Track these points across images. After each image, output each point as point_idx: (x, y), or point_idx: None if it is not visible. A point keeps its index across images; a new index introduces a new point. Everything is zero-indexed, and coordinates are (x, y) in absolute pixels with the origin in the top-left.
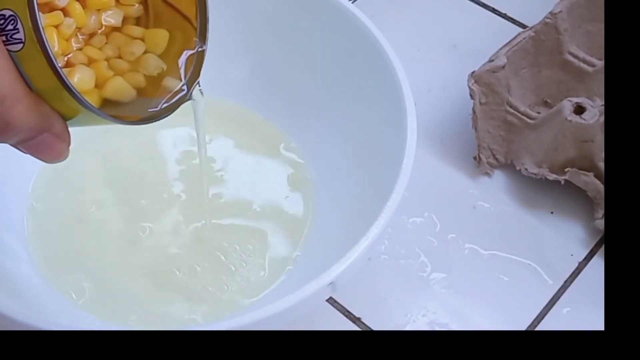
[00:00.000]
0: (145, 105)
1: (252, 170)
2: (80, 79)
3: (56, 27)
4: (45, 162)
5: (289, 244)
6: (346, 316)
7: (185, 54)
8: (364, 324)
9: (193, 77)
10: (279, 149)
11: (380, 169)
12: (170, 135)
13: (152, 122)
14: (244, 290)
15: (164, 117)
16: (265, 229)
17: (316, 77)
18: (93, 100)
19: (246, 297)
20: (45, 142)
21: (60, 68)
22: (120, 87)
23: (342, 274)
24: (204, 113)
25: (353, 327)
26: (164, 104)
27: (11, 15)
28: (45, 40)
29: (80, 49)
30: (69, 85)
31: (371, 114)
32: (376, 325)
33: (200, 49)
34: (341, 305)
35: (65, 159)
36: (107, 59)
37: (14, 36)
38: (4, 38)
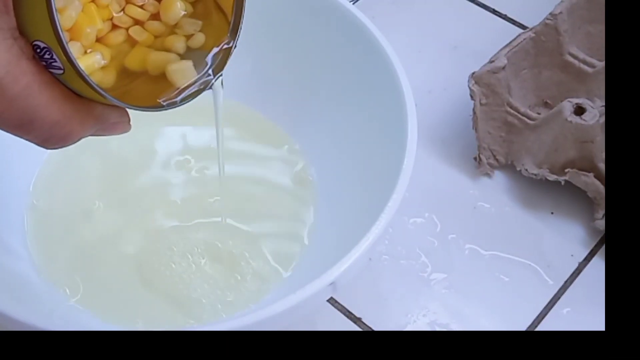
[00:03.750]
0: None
1: (253, 172)
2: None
3: None
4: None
5: (291, 245)
6: (347, 316)
7: (215, 49)
8: (365, 324)
9: (218, 68)
10: (282, 150)
11: (381, 170)
12: (172, 135)
13: (170, 108)
14: (244, 293)
15: (185, 103)
16: (266, 230)
17: (317, 77)
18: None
19: (246, 298)
20: (107, 129)
21: (103, 89)
22: (159, 59)
23: (343, 274)
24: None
25: (354, 328)
26: (186, 90)
27: (45, 47)
28: (83, 71)
29: (122, 10)
30: (114, 100)
31: (372, 114)
32: (377, 326)
33: (228, 45)
34: (342, 306)
35: (130, 129)
36: (144, 22)
37: (53, 64)
38: (44, 63)
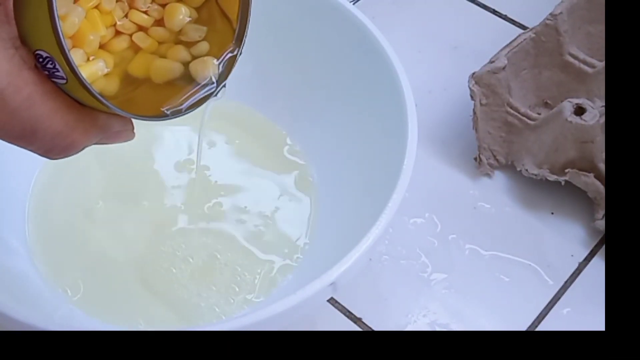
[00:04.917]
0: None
1: (254, 172)
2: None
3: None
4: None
5: (291, 245)
6: (347, 316)
7: (224, 56)
8: (365, 324)
9: (223, 76)
10: (282, 151)
11: (382, 170)
12: (172, 135)
13: (174, 117)
14: (243, 294)
15: (190, 112)
16: (266, 231)
17: (318, 77)
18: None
19: (246, 300)
20: (110, 138)
21: (106, 100)
22: (162, 67)
23: (343, 274)
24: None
25: (354, 328)
26: (190, 98)
27: (48, 57)
28: (86, 81)
29: (125, 16)
30: (118, 110)
31: (372, 114)
32: (377, 326)
33: (233, 54)
34: (342, 306)
35: (133, 137)
36: (148, 28)
37: (56, 74)
38: (47, 73)
